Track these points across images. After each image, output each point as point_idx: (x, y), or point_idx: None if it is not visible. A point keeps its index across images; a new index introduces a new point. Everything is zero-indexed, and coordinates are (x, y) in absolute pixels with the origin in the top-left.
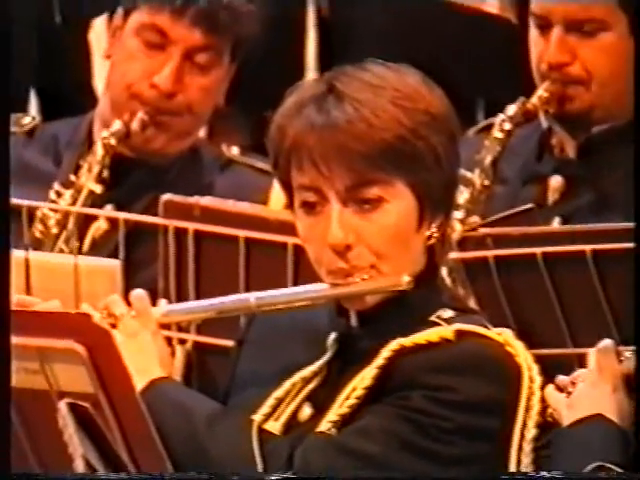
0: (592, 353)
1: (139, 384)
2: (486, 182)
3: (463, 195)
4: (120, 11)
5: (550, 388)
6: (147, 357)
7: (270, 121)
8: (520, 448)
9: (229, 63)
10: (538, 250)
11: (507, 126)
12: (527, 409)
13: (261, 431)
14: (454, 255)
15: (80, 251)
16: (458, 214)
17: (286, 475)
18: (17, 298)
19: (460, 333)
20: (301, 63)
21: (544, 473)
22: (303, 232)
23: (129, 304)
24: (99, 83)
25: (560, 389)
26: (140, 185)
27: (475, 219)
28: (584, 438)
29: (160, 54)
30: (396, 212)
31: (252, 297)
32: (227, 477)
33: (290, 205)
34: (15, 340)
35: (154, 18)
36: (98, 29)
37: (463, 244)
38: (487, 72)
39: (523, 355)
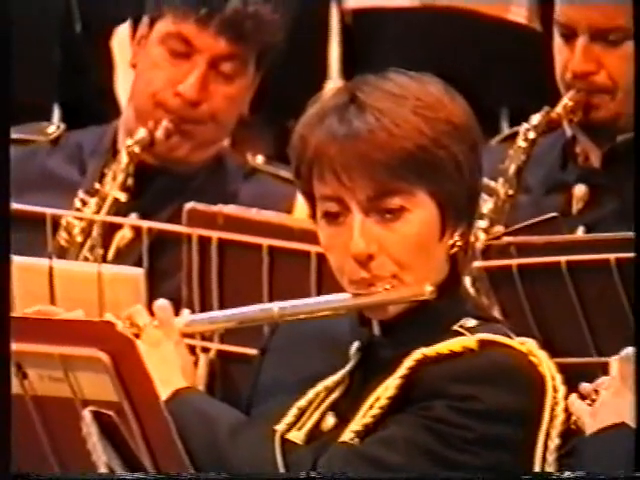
0: (614, 361)
1: (163, 394)
2: (510, 191)
3: (487, 204)
4: (145, 20)
5: (573, 397)
6: (170, 367)
7: (292, 131)
8: (543, 458)
9: (254, 72)
10: (562, 259)
11: (531, 135)
12: (551, 419)
13: (284, 441)
14: (478, 264)
15: (105, 260)
16: (482, 223)
17: (308, 476)
18: (40, 307)
19: (483, 343)
20: (324, 72)
21: (568, 473)
22: (325, 242)
23: (152, 314)
24: (121, 91)
25: (583, 397)
26: (164, 194)
27: (499, 228)
28: (608, 446)
29: (185, 63)
30: (418, 221)
31: (275, 307)
32: (245, 478)
33: (312, 215)
34: (39, 348)
35: (179, 27)
36: (121, 37)
37: (487, 253)
38: (512, 81)
39: (546, 364)
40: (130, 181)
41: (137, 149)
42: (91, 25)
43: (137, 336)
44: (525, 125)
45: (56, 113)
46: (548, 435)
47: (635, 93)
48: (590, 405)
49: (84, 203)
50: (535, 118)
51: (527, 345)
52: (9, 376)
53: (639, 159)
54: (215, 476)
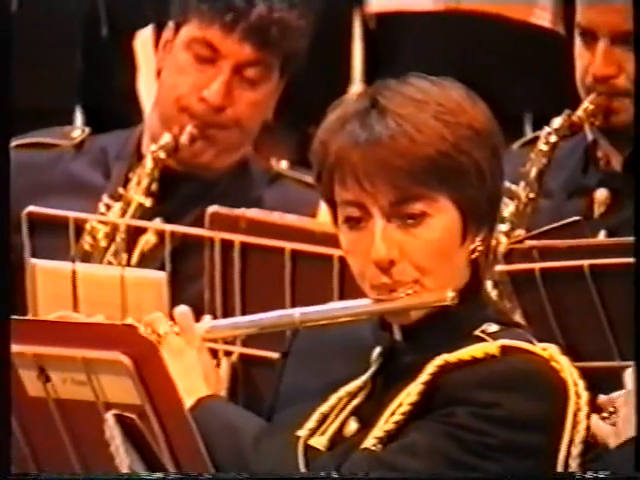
0: (628, 375)
1: (186, 403)
2: (531, 195)
3: (508, 208)
4: (171, 24)
5: (595, 419)
6: (193, 376)
7: (313, 136)
8: (566, 464)
9: (278, 78)
10: (585, 262)
11: (553, 139)
12: (573, 425)
13: (307, 447)
14: (500, 268)
15: (129, 264)
16: (503, 227)
17: (331, 476)
18: (61, 314)
19: (505, 349)
20: (347, 76)
21: (590, 473)
22: (347, 247)
23: (173, 319)
24: (144, 95)
25: (600, 409)
26: (188, 199)
27: (520, 232)
28: (630, 456)
29: (210, 68)
30: (440, 227)
31: (296, 312)
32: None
33: (334, 220)
34: (62, 351)
35: (205, 32)
36: (143, 40)
37: (509, 257)
38: (536, 85)
39: (568, 370)
40: (154, 186)
41: (162, 154)
42: (117, 28)
43: (158, 344)
44: (546, 129)
45: (80, 117)
46: (571, 441)
47: (635, 93)
48: (607, 417)
49: (108, 208)
50: (556, 122)
51: (549, 351)
52: (9, 376)
53: (639, 159)
54: (236, 476)
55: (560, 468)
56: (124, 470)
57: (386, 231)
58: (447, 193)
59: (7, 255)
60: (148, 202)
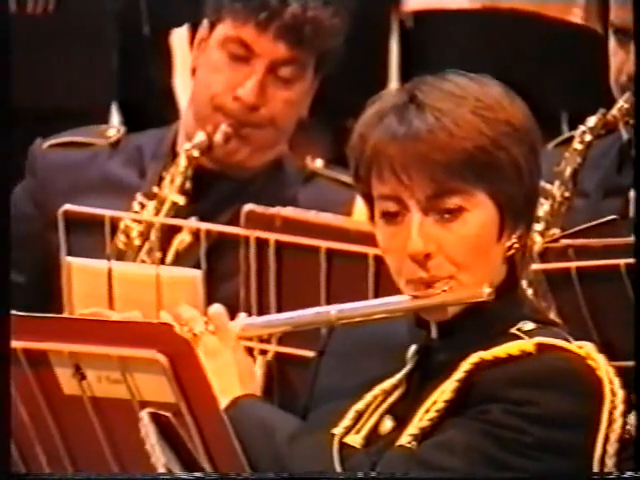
0: None
1: (221, 403)
2: (566, 194)
3: (543, 207)
4: (205, 23)
5: (632, 418)
6: (228, 376)
7: (351, 131)
8: (602, 462)
9: (312, 76)
10: (621, 261)
11: (587, 138)
12: (609, 423)
13: (342, 445)
14: (536, 266)
15: (164, 263)
16: (538, 226)
17: (370, 476)
18: (95, 310)
19: (541, 347)
20: (383, 74)
21: (630, 473)
22: (383, 242)
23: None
24: (180, 93)
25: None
26: (223, 198)
27: (555, 231)
28: None
29: (244, 67)
30: (476, 222)
31: (332, 310)
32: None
33: (371, 216)
34: (98, 349)
35: (239, 31)
36: (179, 39)
37: (545, 255)
38: (574, 84)
39: (604, 369)
40: (188, 185)
41: (196, 153)
42: (157, 27)
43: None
44: (581, 128)
45: (116, 116)
46: (607, 439)
47: (635, 93)
48: None
49: (142, 206)
50: (591, 120)
51: (585, 349)
52: (9, 376)
53: (639, 159)
54: (274, 476)
55: (596, 467)
56: (160, 468)
57: (423, 225)
58: (484, 188)
59: (7, 252)
60: (182, 200)
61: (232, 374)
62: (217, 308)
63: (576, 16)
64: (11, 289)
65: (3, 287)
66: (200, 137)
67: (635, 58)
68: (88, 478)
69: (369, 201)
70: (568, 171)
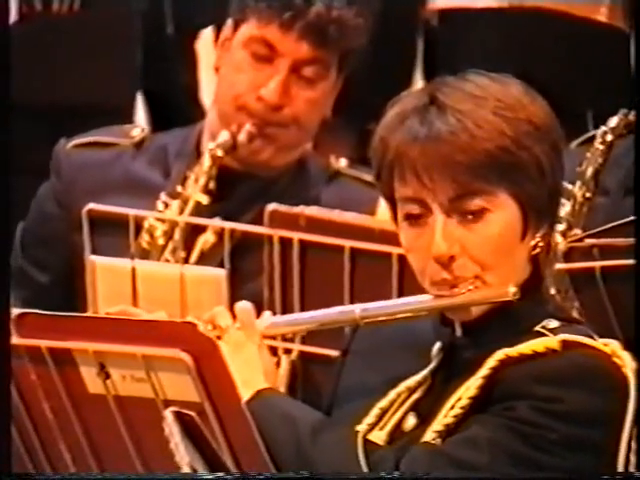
0: None
1: (244, 395)
2: (587, 194)
3: (564, 207)
4: (229, 23)
5: None
6: (252, 369)
7: (373, 133)
8: (627, 459)
9: (336, 76)
10: None
11: (609, 137)
12: (635, 421)
13: (366, 441)
14: (560, 266)
15: (188, 263)
16: (559, 227)
17: (392, 476)
18: (122, 307)
19: (566, 343)
20: (408, 74)
21: None
22: (407, 244)
23: (234, 316)
24: (206, 93)
25: None
26: (248, 197)
27: (577, 231)
28: None
29: (267, 67)
30: (500, 222)
31: (357, 309)
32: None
33: (394, 217)
34: (122, 348)
35: (263, 31)
36: (206, 39)
37: (569, 255)
38: (600, 83)
39: (630, 366)
40: (212, 184)
41: (220, 152)
42: (182, 27)
43: (219, 338)
44: (603, 128)
45: (141, 115)
46: (632, 436)
47: (635, 93)
48: None
49: (166, 206)
50: (613, 120)
51: (611, 346)
52: (9, 375)
53: (639, 159)
54: (294, 475)
55: (621, 465)
56: (184, 467)
57: (446, 227)
58: (507, 188)
59: (7, 251)
60: (205, 200)
61: (256, 367)
62: (244, 305)
63: (602, 15)
64: (35, 288)
65: (3, 285)
66: (224, 136)
67: (635, 58)
68: (88, 478)
69: (392, 203)
70: (590, 171)
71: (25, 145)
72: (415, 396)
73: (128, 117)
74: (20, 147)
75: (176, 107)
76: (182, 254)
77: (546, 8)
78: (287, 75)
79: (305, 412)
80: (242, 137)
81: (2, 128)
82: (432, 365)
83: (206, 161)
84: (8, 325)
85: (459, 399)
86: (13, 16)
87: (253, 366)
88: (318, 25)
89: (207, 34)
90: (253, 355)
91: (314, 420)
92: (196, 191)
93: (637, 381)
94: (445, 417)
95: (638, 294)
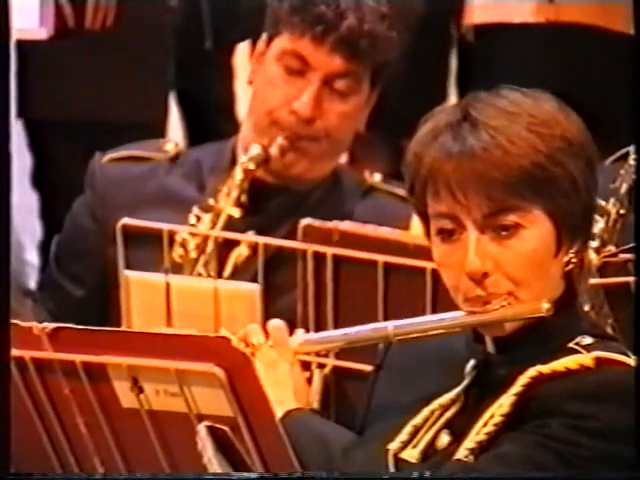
0: None
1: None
2: (622, 211)
3: (598, 224)
4: (263, 37)
5: None
6: (284, 388)
7: (406, 149)
8: None
9: (369, 89)
10: None
11: None
12: None
13: (398, 460)
14: (594, 281)
15: (221, 277)
16: (593, 243)
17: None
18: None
19: (600, 361)
20: (443, 89)
21: None
22: (440, 259)
23: (267, 332)
24: (241, 108)
25: None
26: (281, 211)
27: (610, 248)
28: None
29: (300, 80)
30: (534, 238)
31: (390, 326)
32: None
33: (427, 233)
34: (156, 363)
35: (295, 44)
36: (242, 54)
37: (604, 270)
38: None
39: None
40: (244, 197)
41: (252, 165)
42: (220, 41)
43: (252, 355)
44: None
45: (176, 129)
46: None
47: (635, 94)
48: None
49: (198, 219)
50: None
51: None
52: (9, 375)
53: (639, 161)
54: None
55: None
56: None
57: (480, 243)
58: (541, 204)
59: (7, 260)
60: (237, 213)
61: (288, 387)
62: (277, 323)
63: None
64: (69, 302)
65: (3, 296)
66: (255, 150)
67: (635, 58)
68: (88, 478)
69: (425, 219)
70: (624, 188)
71: (61, 160)
72: (448, 414)
73: (163, 132)
74: (56, 163)
75: (212, 122)
76: (214, 267)
77: (583, 23)
78: (319, 88)
79: (336, 431)
80: (274, 150)
81: (3, 130)
82: (465, 382)
83: (238, 174)
84: (8, 335)
85: (492, 416)
86: (48, 32)
87: (284, 385)
88: (350, 38)
89: (244, 49)
90: (285, 374)
91: (345, 438)
92: (228, 204)
93: (637, 382)
94: (478, 434)
95: (638, 294)
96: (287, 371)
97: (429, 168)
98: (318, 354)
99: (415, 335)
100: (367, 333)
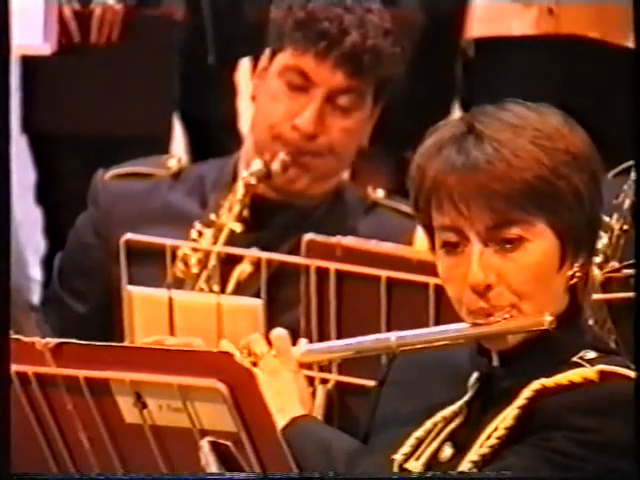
0: None
1: (279, 422)
2: (625, 226)
3: (602, 240)
4: (266, 52)
5: None
6: (288, 396)
7: (410, 162)
8: None
9: (372, 105)
10: None
11: None
12: None
13: (402, 471)
14: (597, 296)
15: (224, 293)
16: (597, 259)
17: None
18: (156, 338)
19: (604, 374)
20: (446, 104)
21: None
22: (443, 272)
23: (270, 344)
24: (244, 124)
25: None
26: (284, 227)
27: (614, 264)
28: None
29: (302, 96)
30: (537, 251)
31: (393, 336)
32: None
33: (432, 247)
34: (159, 378)
35: (298, 60)
36: (245, 70)
37: (607, 286)
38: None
39: None
40: (246, 212)
41: (253, 180)
42: (223, 57)
43: (254, 364)
44: None
45: (178, 145)
46: None
47: (635, 95)
48: None
49: (200, 234)
50: None
51: None
52: (9, 374)
53: (639, 164)
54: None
55: None
56: None
57: (483, 256)
58: (545, 218)
59: (7, 272)
60: (239, 228)
61: (292, 394)
62: (280, 332)
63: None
64: (73, 318)
65: (3, 310)
66: (257, 165)
67: (635, 58)
68: (89, 478)
69: (429, 231)
70: (627, 203)
71: (65, 176)
72: (451, 426)
73: (167, 146)
74: (60, 178)
75: (215, 137)
76: (217, 283)
77: (582, 35)
78: (322, 104)
79: (341, 439)
80: (276, 166)
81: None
82: (469, 395)
83: (239, 189)
84: (8, 350)
85: (495, 429)
86: (52, 48)
87: (288, 393)
88: (353, 54)
89: (246, 64)
90: (289, 382)
91: (349, 448)
92: (230, 219)
93: (637, 384)
94: (481, 447)
95: (638, 295)
96: (290, 380)
97: (433, 180)
98: (321, 367)
99: (418, 346)
100: (370, 343)
